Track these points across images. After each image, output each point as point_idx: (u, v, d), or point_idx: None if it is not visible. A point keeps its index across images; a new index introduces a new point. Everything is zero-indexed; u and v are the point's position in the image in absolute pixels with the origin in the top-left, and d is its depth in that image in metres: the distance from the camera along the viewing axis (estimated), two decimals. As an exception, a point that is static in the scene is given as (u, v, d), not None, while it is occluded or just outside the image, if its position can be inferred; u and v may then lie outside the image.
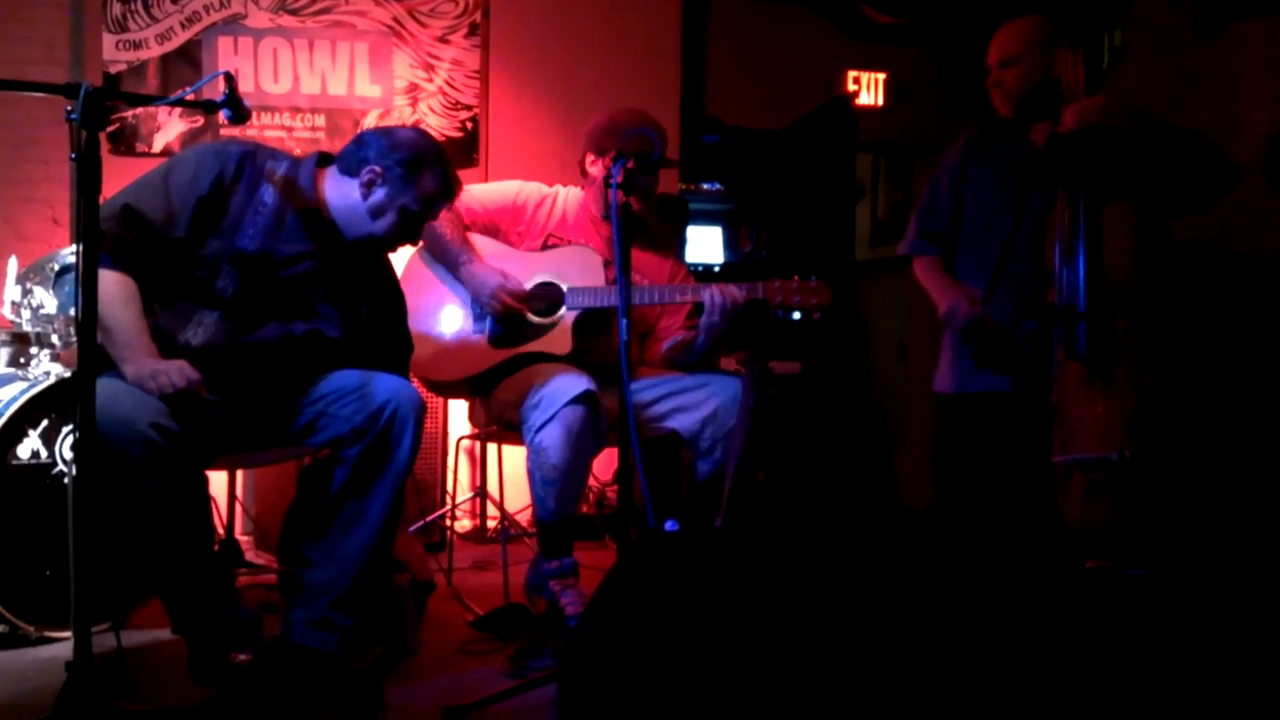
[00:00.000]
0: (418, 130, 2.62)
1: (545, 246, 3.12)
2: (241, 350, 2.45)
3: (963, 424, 2.99)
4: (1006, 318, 2.84)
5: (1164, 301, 2.64)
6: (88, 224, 1.89)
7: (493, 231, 3.14)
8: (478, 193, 3.20)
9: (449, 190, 2.57)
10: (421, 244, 3.13)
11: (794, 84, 5.30)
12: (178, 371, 2.26)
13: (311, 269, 2.51)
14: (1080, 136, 2.64)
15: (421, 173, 2.49)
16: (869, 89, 5.52)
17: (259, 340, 2.46)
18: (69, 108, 1.86)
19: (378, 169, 2.46)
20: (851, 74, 5.47)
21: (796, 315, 2.89)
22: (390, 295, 2.76)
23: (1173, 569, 2.50)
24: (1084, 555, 2.57)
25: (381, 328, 2.71)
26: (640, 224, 3.08)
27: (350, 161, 2.48)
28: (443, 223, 3.03)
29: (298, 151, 4.24)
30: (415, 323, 3.11)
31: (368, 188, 2.46)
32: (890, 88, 5.53)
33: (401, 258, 3.20)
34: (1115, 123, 2.64)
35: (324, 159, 2.57)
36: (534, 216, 3.15)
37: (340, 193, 2.52)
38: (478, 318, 3.05)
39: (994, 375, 2.87)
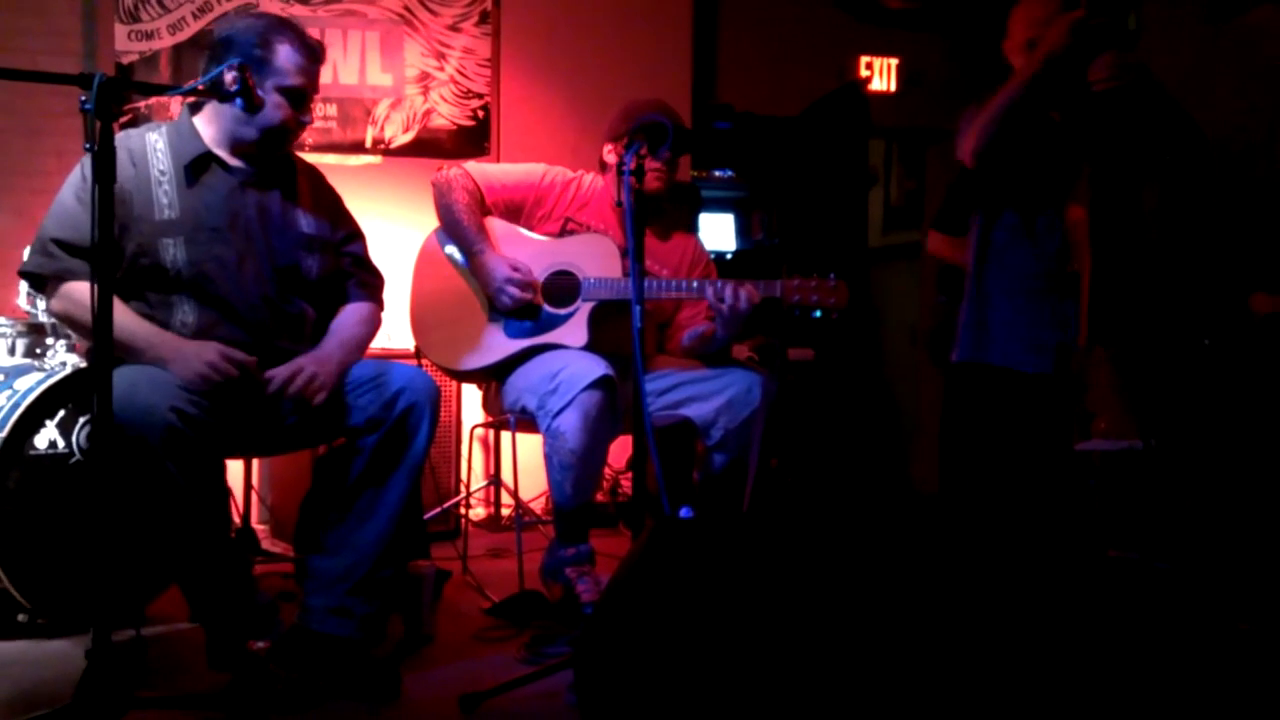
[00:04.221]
0: (255, 13, 2.57)
1: (563, 231, 3.11)
2: (234, 308, 2.45)
3: (988, 400, 2.89)
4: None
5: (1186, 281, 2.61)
6: (102, 213, 1.89)
7: (515, 211, 3.12)
8: (501, 172, 3.18)
9: (312, 51, 2.53)
10: (438, 226, 3.14)
11: (806, 70, 5.27)
12: (219, 359, 2.29)
13: (241, 207, 2.51)
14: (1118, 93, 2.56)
15: (274, 45, 2.47)
16: (881, 74, 5.49)
17: (243, 290, 2.47)
18: (83, 98, 1.86)
19: (238, 64, 2.42)
20: (864, 59, 5.44)
21: (817, 314, 2.85)
22: (339, 212, 2.75)
23: (1200, 562, 2.48)
24: (1107, 544, 2.55)
25: (348, 249, 2.72)
26: (658, 201, 3.07)
27: (226, 88, 2.36)
28: (460, 206, 3.03)
29: (310, 142, 4.24)
30: (431, 308, 3.11)
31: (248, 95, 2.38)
32: (903, 73, 5.51)
33: (415, 241, 3.22)
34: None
35: (195, 107, 2.56)
36: (558, 200, 3.14)
37: (218, 117, 2.51)
38: (493, 307, 3.05)
39: (1034, 357, 2.78)
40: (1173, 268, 2.62)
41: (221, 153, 2.53)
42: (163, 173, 2.47)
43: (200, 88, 2.22)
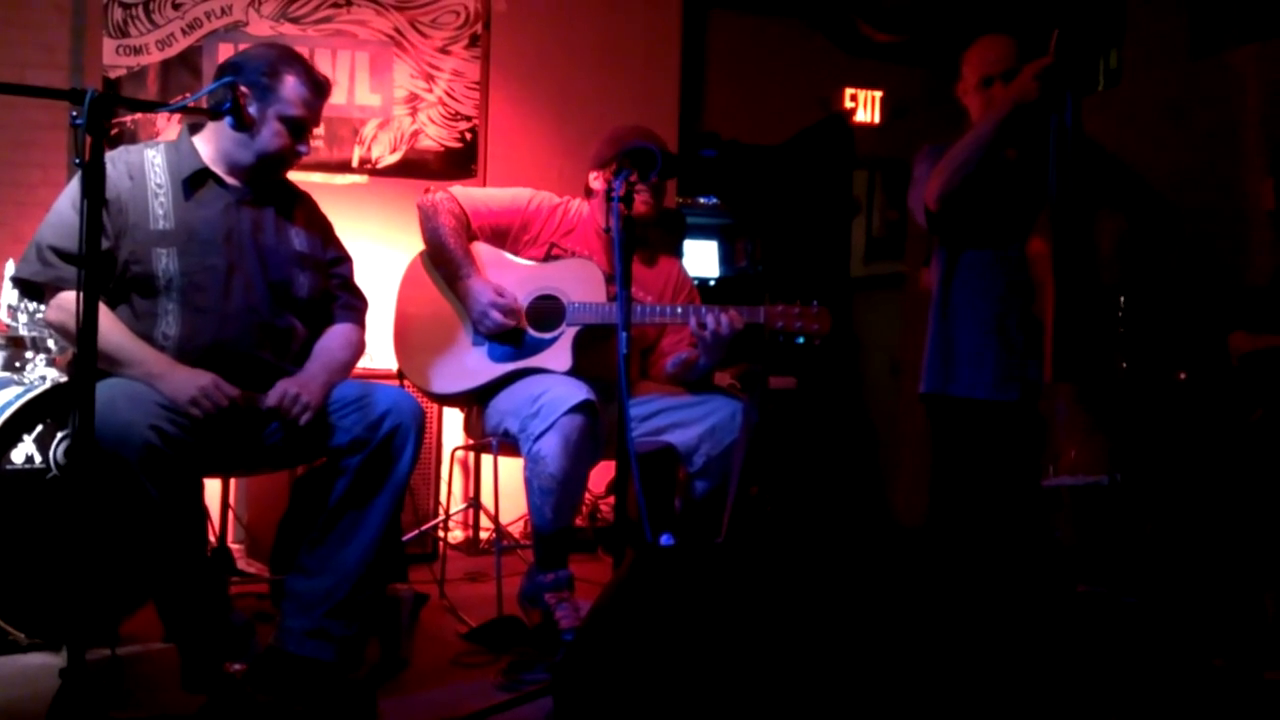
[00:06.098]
0: (265, 42, 2.63)
1: (548, 256, 3.11)
2: (220, 317, 2.45)
3: (954, 432, 2.93)
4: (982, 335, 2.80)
5: (1155, 312, 2.63)
6: (90, 229, 1.88)
7: (500, 236, 3.13)
8: (487, 196, 3.19)
9: (318, 86, 2.58)
10: (424, 250, 3.14)
11: (791, 100, 5.32)
12: (212, 386, 2.30)
13: (235, 221, 2.53)
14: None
15: (282, 75, 2.51)
16: (866, 106, 5.55)
17: (231, 300, 2.47)
18: (74, 112, 1.86)
19: (242, 88, 2.45)
20: (849, 91, 5.50)
21: (799, 340, 2.87)
22: (329, 235, 2.77)
23: (1171, 597, 2.49)
24: (1075, 579, 2.55)
25: (335, 271, 2.73)
26: (645, 227, 3.07)
27: (217, 105, 2.43)
28: (447, 230, 3.03)
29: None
30: (415, 331, 3.11)
31: (238, 112, 2.44)
32: (887, 105, 5.56)
33: (400, 261, 3.22)
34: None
35: (194, 127, 2.60)
36: (544, 225, 3.15)
37: (216, 138, 2.54)
38: (477, 330, 3.05)
39: (999, 388, 2.82)
40: (1141, 303, 2.64)
41: (219, 171, 2.55)
42: (159, 186, 2.49)
43: (192, 103, 2.22)
